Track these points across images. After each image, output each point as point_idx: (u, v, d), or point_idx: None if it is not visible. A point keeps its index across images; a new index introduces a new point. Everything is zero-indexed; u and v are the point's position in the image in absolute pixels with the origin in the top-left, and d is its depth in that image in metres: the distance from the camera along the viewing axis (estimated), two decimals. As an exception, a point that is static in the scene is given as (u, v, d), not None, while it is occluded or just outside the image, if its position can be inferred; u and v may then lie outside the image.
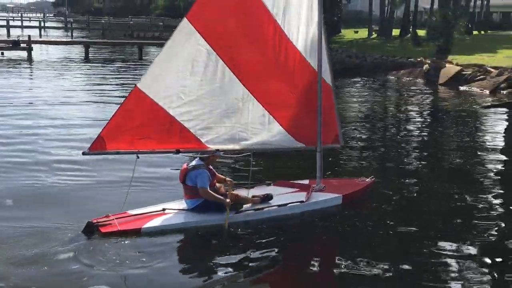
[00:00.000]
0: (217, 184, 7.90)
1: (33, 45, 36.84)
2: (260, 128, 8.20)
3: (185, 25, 7.54)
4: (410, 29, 48.01)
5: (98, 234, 7.01)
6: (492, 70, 26.51)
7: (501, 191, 9.80)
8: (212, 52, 7.70)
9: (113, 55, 42.85)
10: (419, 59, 31.23)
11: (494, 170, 11.25)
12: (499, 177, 10.79)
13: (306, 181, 9.00)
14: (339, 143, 8.93)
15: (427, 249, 7.09)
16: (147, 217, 7.43)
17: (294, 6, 8.17)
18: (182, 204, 7.82)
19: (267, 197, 8.14)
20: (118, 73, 29.30)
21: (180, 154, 7.92)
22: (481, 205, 8.84)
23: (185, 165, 7.79)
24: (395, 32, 48.82)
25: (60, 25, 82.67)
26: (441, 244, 7.24)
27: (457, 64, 28.48)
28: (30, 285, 5.88)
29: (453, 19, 34.06)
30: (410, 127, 16.51)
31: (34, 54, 36.04)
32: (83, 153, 7.45)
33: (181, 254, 6.99)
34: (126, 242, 6.90)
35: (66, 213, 7.82)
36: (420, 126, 16.81)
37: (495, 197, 9.36)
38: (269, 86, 8.20)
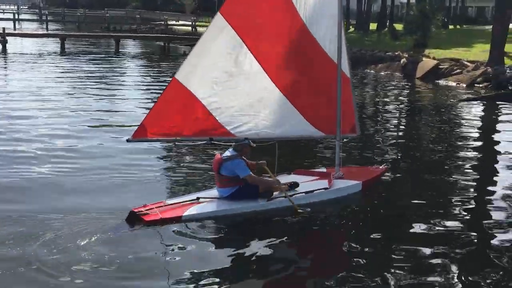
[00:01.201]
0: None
1: (7, 38, 36.21)
2: (283, 118, 8.63)
3: (218, 19, 8.07)
4: (387, 23, 48.32)
5: (141, 222, 7.25)
6: (468, 64, 26.80)
7: (479, 182, 9.91)
8: (242, 44, 8.19)
9: (90, 48, 42.34)
10: (396, 53, 31.42)
11: (470, 161, 11.40)
12: (476, 168, 10.94)
13: (323, 169, 9.45)
14: (356, 133, 9.34)
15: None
16: (184, 205, 7.70)
17: (315, 0, 8.56)
18: (214, 193, 8.08)
19: (294, 185, 8.45)
20: (94, 66, 28.92)
21: (213, 142, 8.46)
22: (459, 194, 8.98)
23: (218, 155, 8.01)
24: (372, 26, 49.07)
25: (34, 17, 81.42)
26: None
27: (434, 58, 28.72)
28: (83, 270, 6.06)
29: (430, 13, 34.33)
30: (387, 120, 16.59)
31: (8, 47, 35.40)
32: (127, 140, 8.08)
33: (219, 240, 7.19)
34: (167, 230, 7.16)
35: (105, 204, 8.01)
36: (397, 120, 16.91)
37: (472, 186, 9.50)
38: (292, 78, 8.63)
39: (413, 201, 8.83)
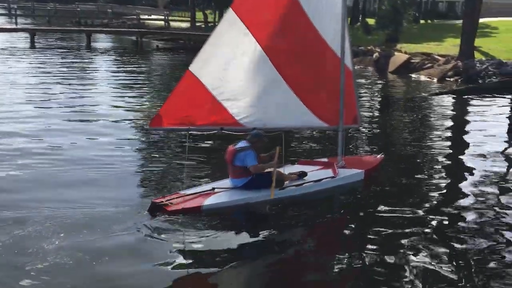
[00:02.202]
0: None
1: (-25, 33, 35.47)
2: (289, 109, 8.96)
3: (229, 14, 8.51)
4: (360, 18, 48.62)
5: (163, 212, 7.53)
6: (439, 58, 27.17)
7: (449, 171, 10.10)
8: (252, 39, 8.57)
9: (60, 43, 41.70)
10: (369, 48, 31.67)
11: (441, 152, 11.64)
12: (447, 158, 11.17)
13: (325, 159, 9.83)
14: (358, 123, 9.79)
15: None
16: (202, 196, 8.01)
17: None
18: (228, 183, 8.40)
19: (302, 174, 8.83)
20: (65, 61, 28.50)
21: (223, 131, 8.79)
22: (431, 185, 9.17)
23: (231, 147, 8.29)
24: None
25: (3, 11, 79.77)
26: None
27: (405, 53, 29.04)
28: (109, 259, 6.36)
29: (402, 8, 34.68)
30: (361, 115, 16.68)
31: (-24, 41, 34.69)
32: (145, 129, 8.38)
33: (237, 228, 7.65)
34: (187, 220, 7.48)
35: (125, 196, 8.31)
36: (370, 113, 17.04)
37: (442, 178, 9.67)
38: (298, 71, 8.99)
39: (387, 195, 9.01)
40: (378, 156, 10.18)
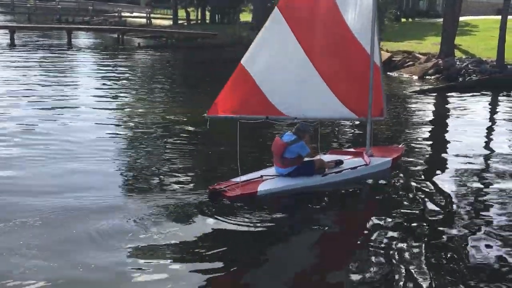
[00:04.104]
0: None
1: (-48, 30, 34.93)
2: (323, 100, 9.62)
3: (275, 12, 9.29)
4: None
5: (222, 198, 8.10)
6: (421, 56, 27.40)
7: (429, 167, 10.20)
8: (292, 35, 9.30)
9: (41, 40, 41.27)
10: (351, 46, 31.71)
11: (422, 149, 11.77)
12: (428, 154, 11.28)
13: (352, 149, 10.66)
14: (384, 116, 10.36)
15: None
16: (254, 183, 8.65)
17: None
18: (273, 171, 9.06)
19: (339, 162, 9.53)
20: (46, 59, 28.22)
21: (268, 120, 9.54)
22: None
23: (279, 140, 8.94)
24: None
25: (-19, 8, 78.71)
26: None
27: (387, 51, 29.21)
28: (178, 243, 6.78)
29: (383, 6, 34.88)
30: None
31: (-46, 39, 34.16)
32: (205, 116, 9.01)
33: (289, 211, 8.24)
34: (244, 204, 8.01)
35: (182, 183, 8.99)
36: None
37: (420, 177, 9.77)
38: (331, 66, 9.63)
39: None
40: (400, 146, 11.00)
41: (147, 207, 7.76)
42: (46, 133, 12.00)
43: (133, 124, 13.51)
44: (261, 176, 8.87)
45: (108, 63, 28.69)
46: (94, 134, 12.02)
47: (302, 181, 8.86)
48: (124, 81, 21.44)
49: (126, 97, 18.08)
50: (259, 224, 7.44)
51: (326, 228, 7.69)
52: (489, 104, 19.06)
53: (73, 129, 12.53)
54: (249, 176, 8.88)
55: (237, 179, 8.55)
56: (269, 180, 8.81)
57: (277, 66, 9.33)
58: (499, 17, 24.73)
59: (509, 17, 23.52)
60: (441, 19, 31.47)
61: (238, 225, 7.40)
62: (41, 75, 21.70)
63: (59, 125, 12.98)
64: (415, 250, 6.77)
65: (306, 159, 8.95)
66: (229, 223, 7.43)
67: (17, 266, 6.05)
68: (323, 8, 9.58)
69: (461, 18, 29.66)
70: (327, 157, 9.86)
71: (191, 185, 8.96)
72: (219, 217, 7.55)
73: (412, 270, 6.22)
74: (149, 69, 27.72)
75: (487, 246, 6.88)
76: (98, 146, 11.12)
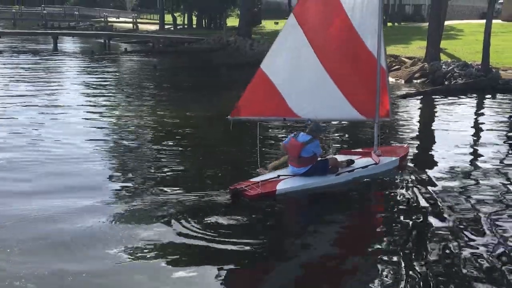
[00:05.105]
0: None
1: None
2: (333, 103, 10.03)
3: (291, 18, 9.76)
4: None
5: (243, 197, 8.37)
6: (407, 60, 27.56)
7: (417, 169, 10.25)
8: (306, 40, 9.75)
9: (26, 46, 40.98)
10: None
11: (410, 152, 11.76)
12: (415, 157, 11.31)
13: (359, 149, 10.97)
14: (389, 117, 10.87)
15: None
16: (272, 182, 8.93)
17: (361, 4, 10.07)
18: (289, 171, 9.34)
19: (350, 162, 9.89)
20: (31, 65, 28.01)
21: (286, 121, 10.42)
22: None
23: (294, 141, 9.19)
24: (314, 23, 49.50)
25: (-34, 14, 78.03)
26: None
27: (373, 55, 29.31)
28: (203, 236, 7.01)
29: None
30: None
31: None
32: (228, 118, 9.47)
33: (306, 209, 8.81)
34: (263, 203, 8.32)
35: (204, 184, 9.28)
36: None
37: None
38: (340, 69, 10.03)
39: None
40: (405, 145, 11.54)
41: (145, 208, 7.88)
42: (33, 137, 11.96)
43: (120, 128, 13.48)
44: (278, 176, 9.15)
45: (95, 68, 28.54)
46: (81, 138, 12.00)
47: (317, 180, 9.17)
48: (111, 86, 21.35)
49: (112, 101, 17.99)
50: (273, 223, 7.82)
51: (340, 227, 7.89)
52: (475, 107, 19.19)
53: (61, 133, 12.46)
54: (267, 176, 9.15)
55: (256, 179, 8.86)
56: (286, 179, 9.10)
57: (293, 69, 9.79)
58: (484, 21, 24.94)
59: (493, 21, 23.74)
60: (427, 24, 31.69)
61: (252, 224, 7.64)
62: (27, 80, 21.55)
63: (45, 130, 12.92)
64: (429, 249, 6.85)
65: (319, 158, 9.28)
66: (242, 222, 7.62)
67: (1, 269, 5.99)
68: (333, 13, 9.97)
69: (447, 22, 29.89)
70: (338, 158, 10.11)
71: (191, 185, 9.06)
72: (231, 216, 7.71)
73: (426, 270, 6.25)
74: (135, 74, 27.63)
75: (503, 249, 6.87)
76: (85, 149, 11.11)
